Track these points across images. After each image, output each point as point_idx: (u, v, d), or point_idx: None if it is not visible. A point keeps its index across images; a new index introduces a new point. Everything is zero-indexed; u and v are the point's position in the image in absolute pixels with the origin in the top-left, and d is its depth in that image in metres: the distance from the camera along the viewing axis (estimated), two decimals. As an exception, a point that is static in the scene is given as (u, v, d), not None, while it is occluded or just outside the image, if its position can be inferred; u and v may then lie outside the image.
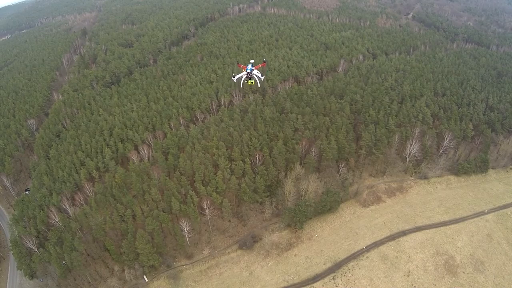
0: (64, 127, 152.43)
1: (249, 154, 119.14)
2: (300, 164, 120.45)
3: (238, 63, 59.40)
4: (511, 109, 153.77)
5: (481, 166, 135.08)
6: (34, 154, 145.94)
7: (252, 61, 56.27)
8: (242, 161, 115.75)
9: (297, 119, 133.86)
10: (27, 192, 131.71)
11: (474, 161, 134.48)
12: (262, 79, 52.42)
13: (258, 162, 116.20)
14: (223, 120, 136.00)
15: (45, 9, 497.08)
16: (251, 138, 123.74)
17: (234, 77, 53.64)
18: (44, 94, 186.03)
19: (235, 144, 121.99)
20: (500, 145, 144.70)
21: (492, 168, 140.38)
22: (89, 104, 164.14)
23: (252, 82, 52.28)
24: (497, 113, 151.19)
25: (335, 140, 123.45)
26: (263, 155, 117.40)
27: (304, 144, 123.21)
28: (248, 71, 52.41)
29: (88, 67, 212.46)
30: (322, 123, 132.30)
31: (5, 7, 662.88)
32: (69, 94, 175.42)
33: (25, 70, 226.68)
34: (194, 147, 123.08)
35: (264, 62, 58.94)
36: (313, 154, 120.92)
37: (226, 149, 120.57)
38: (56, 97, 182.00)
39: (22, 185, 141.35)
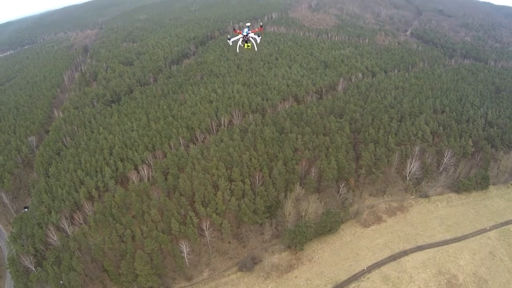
0: (64, 145, 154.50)
1: (249, 175, 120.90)
2: (300, 184, 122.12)
3: (234, 29, 55.17)
4: (510, 124, 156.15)
5: (481, 183, 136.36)
6: (33, 171, 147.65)
7: (248, 24, 56.22)
8: (242, 181, 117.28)
9: (297, 139, 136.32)
10: (26, 209, 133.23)
11: (475, 177, 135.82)
12: (259, 41, 50.88)
13: (258, 183, 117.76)
14: (223, 140, 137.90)
15: (48, 25, 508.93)
16: (251, 159, 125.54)
17: (229, 40, 52.92)
18: (45, 111, 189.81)
19: (235, 165, 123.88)
20: (500, 160, 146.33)
21: (493, 184, 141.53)
22: (90, 122, 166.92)
23: (248, 46, 51.36)
24: (497, 129, 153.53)
25: (335, 160, 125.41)
26: (263, 176, 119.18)
27: (304, 164, 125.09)
28: (244, 34, 51.12)
29: (89, 85, 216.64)
30: (322, 143, 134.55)
31: (8, 22, 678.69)
32: (69, 112, 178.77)
33: (26, 86, 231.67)
34: (194, 168, 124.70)
35: (261, 26, 56.50)
36: (313, 174, 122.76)
37: (226, 170, 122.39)
38: (56, 114, 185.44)
39: (21, 202, 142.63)
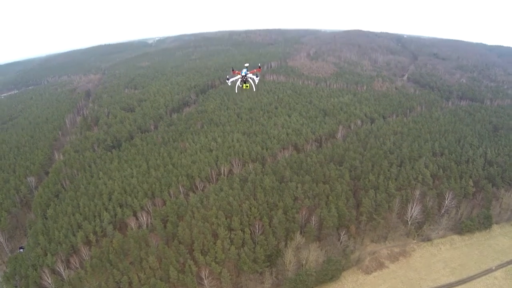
0: (63, 187, 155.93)
1: (249, 224, 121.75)
2: (300, 233, 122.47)
3: (232, 70, 55.85)
4: (510, 162, 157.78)
5: (484, 222, 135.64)
6: (31, 212, 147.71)
7: (246, 64, 56.74)
8: (241, 230, 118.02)
9: (297, 187, 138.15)
10: (21, 250, 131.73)
11: (477, 217, 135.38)
12: (257, 81, 52.57)
13: (258, 232, 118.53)
14: (223, 189, 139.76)
15: (52, 67, 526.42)
16: (250, 208, 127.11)
17: (228, 80, 53.75)
18: (45, 152, 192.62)
19: (235, 214, 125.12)
20: (502, 199, 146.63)
21: (496, 223, 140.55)
22: (90, 166, 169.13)
23: (247, 86, 52.27)
24: (497, 167, 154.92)
25: (335, 208, 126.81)
26: (263, 225, 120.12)
27: (304, 212, 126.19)
28: (243, 74, 52.29)
29: (90, 129, 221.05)
30: (322, 191, 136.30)
31: (15, 62, 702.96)
32: (70, 155, 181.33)
33: (28, 126, 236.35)
34: (194, 216, 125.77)
35: (259, 67, 58.62)
36: (313, 222, 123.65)
37: (226, 218, 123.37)
38: (57, 156, 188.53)
39: (16, 242, 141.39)
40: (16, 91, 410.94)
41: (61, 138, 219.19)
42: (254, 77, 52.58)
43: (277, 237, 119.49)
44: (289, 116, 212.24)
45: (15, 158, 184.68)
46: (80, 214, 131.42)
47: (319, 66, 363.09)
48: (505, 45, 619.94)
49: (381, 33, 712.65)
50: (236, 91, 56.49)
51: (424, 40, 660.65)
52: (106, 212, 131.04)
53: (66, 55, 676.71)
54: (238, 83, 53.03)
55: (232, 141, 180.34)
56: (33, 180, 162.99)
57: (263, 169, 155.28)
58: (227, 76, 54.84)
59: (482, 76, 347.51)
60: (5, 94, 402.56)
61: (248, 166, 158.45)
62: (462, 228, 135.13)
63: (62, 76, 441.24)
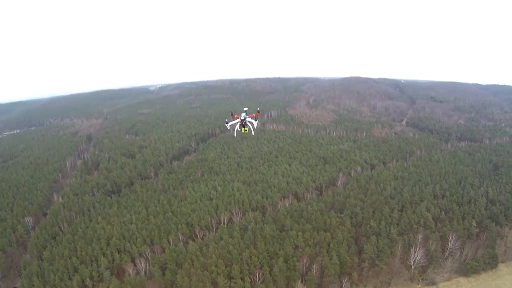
0: (61, 230, 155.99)
1: (249, 272, 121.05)
2: (302, 281, 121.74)
3: (232, 114, 57.16)
4: None
5: (490, 262, 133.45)
6: (27, 252, 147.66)
7: (245, 108, 57.34)
8: (241, 279, 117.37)
9: (298, 236, 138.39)
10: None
11: (482, 258, 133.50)
12: (256, 125, 53.42)
13: (258, 280, 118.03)
14: (223, 237, 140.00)
15: (55, 109, 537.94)
16: (251, 256, 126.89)
17: (227, 124, 54.12)
18: (44, 193, 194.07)
19: (235, 262, 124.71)
20: (507, 237, 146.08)
21: (502, 262, 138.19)
22: (89, 210, 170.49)
23: (246, 130, 52.69)
24: (499, 206, 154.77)
25: (336, 255, 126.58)
26: (263, 273, 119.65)
27: (305, 261, 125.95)
28: (242, 118, 52.83)
29: (90, 173, 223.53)
30: (323, 239, 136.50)
31: (19, 102, 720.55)
32: (69, 198, 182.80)
33: (29, 166, 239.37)
34: (193, 264, 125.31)
35: (258, 112, 59.32)
36: (314, 270, 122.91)
37: (226, 267, 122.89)
38: (56, 198, 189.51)
39: (10, 282, 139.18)
40: (18, 131, 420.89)
41: (61, 180, 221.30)
42: (253, 121, 53.59)
43: (278, 286, 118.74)
44: (290, 165, 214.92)
45: (13, 197, 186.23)
46: (77, 257, 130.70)
47: (319, 114, 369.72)
48: (500, 83, 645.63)
49: (379, 79, 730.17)
50: (235, 135, 57.21)
51: (421, 84, 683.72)
52: (104, 257, 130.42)
53: (69, 98, 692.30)
54: (237, 126, 53.85)
55: (232, 190, 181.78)
56: (31, 221, 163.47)
57: (263, 218, 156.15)
58: (226, 120, 55.54)
59: (479, 115, 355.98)
60: (7, 133, 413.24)
61: (248, 215, 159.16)
62: (467, 269, 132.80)
63: (65, 119, 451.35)
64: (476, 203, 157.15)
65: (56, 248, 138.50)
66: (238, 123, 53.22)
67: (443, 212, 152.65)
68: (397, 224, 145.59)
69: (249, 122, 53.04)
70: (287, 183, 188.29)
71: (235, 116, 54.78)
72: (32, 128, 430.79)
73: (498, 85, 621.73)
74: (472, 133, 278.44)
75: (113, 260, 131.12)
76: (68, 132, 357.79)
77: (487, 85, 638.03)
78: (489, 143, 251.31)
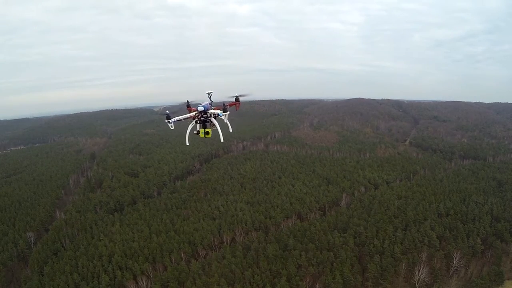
0: (62, 246, 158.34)
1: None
2: None
3: (188, 106, 37.69)
4: None
5: (496, 280, 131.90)
6: (28, 267, 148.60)
7: (210, 91, 37.38)
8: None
9: (301, 255, 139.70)
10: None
11: (488, 275, 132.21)
12: (226, 120, 36.17)
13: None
14: (225, 257, 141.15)
15: (60, 127, 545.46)
16: (253, 276, 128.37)
17: (170, 121, 35.66)
18: (47, 209, 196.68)
19: (237, 281, 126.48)
20: None
21: (508, 279, 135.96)
22: (91, 227, 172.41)
23: (207, 132, 34.90)
24: (504, 222, 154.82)
25: (340, 274, 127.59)
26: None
27: (308, 280, 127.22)
28: (200, 110, 34.32)
29: (93, 191, 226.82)
30: (326, 258, 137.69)
31: (24, 118, 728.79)
32: (71, 215, 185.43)
33: (32, 182, 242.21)
34: (195, 283, 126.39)
35: (237, 99, 40.49)
36: None
37: (228, 286, 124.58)
38: (58, 215, 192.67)
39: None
40: (22, 147, 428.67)
41: (63, 197, 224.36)
42: (222, 115, 35.19)
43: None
44: (293, 186, 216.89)
45: (16, 212, 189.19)
46: (78, 274, 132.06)
47: (322, 135, 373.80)
48: (502, 101, 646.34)
49: (382, 100, 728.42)
50: (188, 143, 36.90)
51: (424, 104, 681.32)
52: (105, 274, 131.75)
53: (74, 117, 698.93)
54: (190, 127, 35.77)
55: (235, 210, 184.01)
56: (32, 236, 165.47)
57: (266, 237, 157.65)
58: (167, 111, 36.80)
59: (483, 134, 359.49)
60: (11, 148, 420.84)
61: (251, 234, 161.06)
62: (473, 287, 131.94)
63: (69, 137, 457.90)
64: (481, 220, 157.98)
65: (57, 263, 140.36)
66: (194, 120, 35.95)
67: (447, 230, 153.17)
68: (401, 243, 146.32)
69: (214, 117, 35.03)
70: (290, 203, 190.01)
71: (192, 109, 36.90)
72: (36, 144, 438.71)
73: (500, 103, 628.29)
74: (475, 151, 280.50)
75: (115, 277, 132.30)
76: (72, 149, 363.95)
77: (490, 103, 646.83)
78: (492, 160, 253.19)
